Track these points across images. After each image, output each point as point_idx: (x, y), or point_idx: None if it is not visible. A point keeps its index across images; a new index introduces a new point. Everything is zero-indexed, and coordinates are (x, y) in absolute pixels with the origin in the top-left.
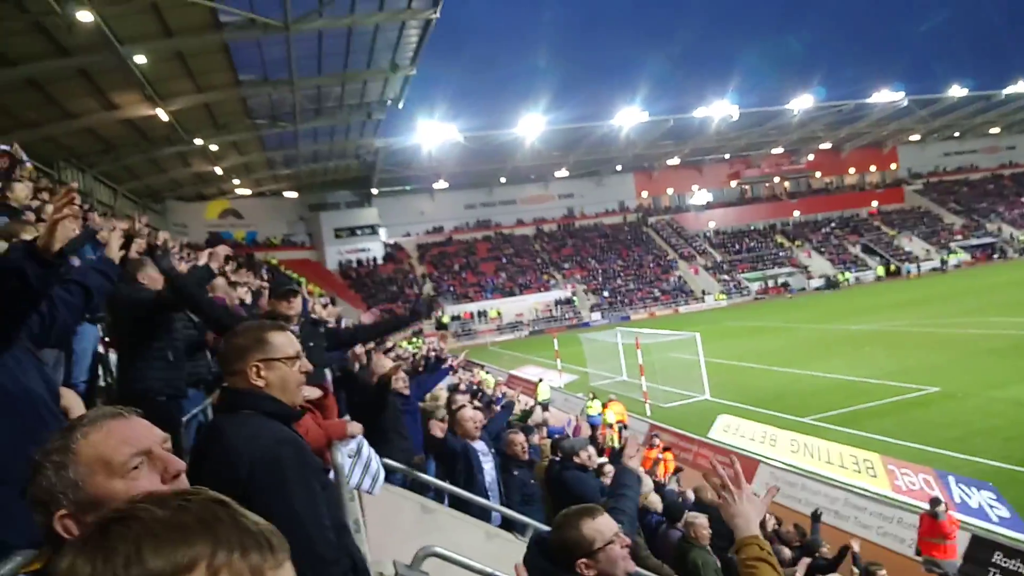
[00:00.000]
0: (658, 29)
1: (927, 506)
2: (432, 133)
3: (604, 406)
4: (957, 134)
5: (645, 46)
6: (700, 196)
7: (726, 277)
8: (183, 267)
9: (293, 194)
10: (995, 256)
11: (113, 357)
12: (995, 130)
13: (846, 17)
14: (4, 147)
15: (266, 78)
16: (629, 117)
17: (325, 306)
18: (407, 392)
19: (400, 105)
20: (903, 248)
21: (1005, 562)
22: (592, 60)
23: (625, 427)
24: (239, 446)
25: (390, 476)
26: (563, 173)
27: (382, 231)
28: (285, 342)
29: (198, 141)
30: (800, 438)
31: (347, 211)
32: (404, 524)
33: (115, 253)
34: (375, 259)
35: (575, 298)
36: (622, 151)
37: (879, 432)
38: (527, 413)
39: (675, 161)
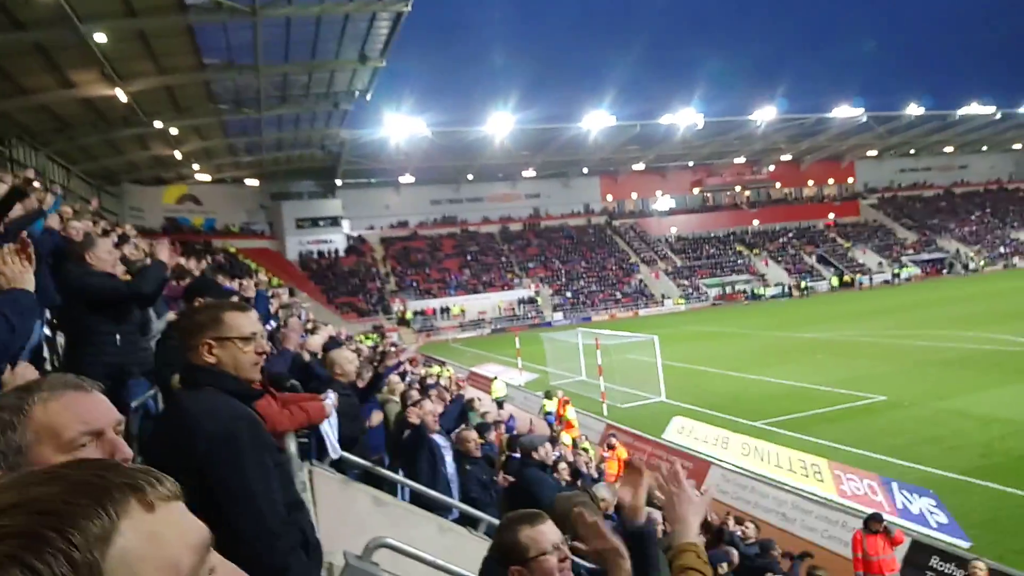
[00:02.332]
0: (627, 35)
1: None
2: (400, 126)
3: (562, 403)
4: (912, 151)
5: (614, 51)
6: (663, 202)
7: (685, 282)
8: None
9: (254, 182)
10: (944, 271)
11: (61, 339)
12: (949, 149)
13: (810, 32)
14: None
15: (231, 63)
16: (597, 121)
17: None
18: (363, 385)
19: (368, 97)
20: (857, 260)
21: (941, 566)
22: (562, 62)
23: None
24: (198, 420)
25: (345, 470)
26: (530, 173)
27: (345, 223)
28: (241, 322)
29: (158, 124)
30: (751, 442)
31: (310, 201)
32: (357, 516)
33: None
34: (337, 251)
35: (538, 298)
36: (589, 154)
37: (828, 438)
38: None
39: (640, 166)
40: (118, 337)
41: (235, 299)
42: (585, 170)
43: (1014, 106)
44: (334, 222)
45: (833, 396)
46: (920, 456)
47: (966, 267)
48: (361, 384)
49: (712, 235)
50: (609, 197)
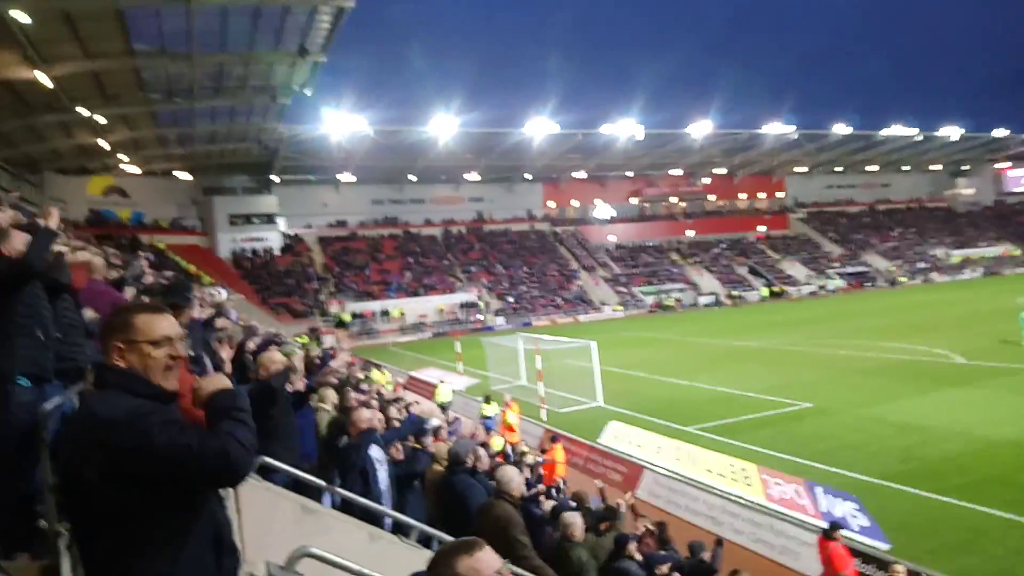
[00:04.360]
0: (572, 43)
1: (803, 518)
2: (341, 124)
3: (507, 407)
4: (839, 169)
5: (559, 58)
6: (603, 210)
7: (623, 289)
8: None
9: (186, 175)
10: (867, 284)
11: None
12: (873, 168)
13: (745, 51)
14: None
15: (163, 50)
16: (540, 128)
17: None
18: (303, 388)
19: (308, 92)
20: (786, 272)
21: (863, 567)
22: (508, 66)
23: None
24: (98, 415)
25: (271, 475)
26: (474, 176)
27: (281, 221)
28: (152, 325)
29: (83, 111)
30: (684, 446)
31: (244, 197)
32: (283, 525)
33: None
34: (272, 250)
35: (480, 302)
36: (532, 160)
37: (756, 443)
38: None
39: (581, 174)
40: (39, 332)
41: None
42: (528, 176)
43: (934, 129)
44: (269, 219)
45: (762, 403)
46: (843, 461)
47: (892, 282)
48: (291, 389)
49: (649, 244)
50: (551, 204)
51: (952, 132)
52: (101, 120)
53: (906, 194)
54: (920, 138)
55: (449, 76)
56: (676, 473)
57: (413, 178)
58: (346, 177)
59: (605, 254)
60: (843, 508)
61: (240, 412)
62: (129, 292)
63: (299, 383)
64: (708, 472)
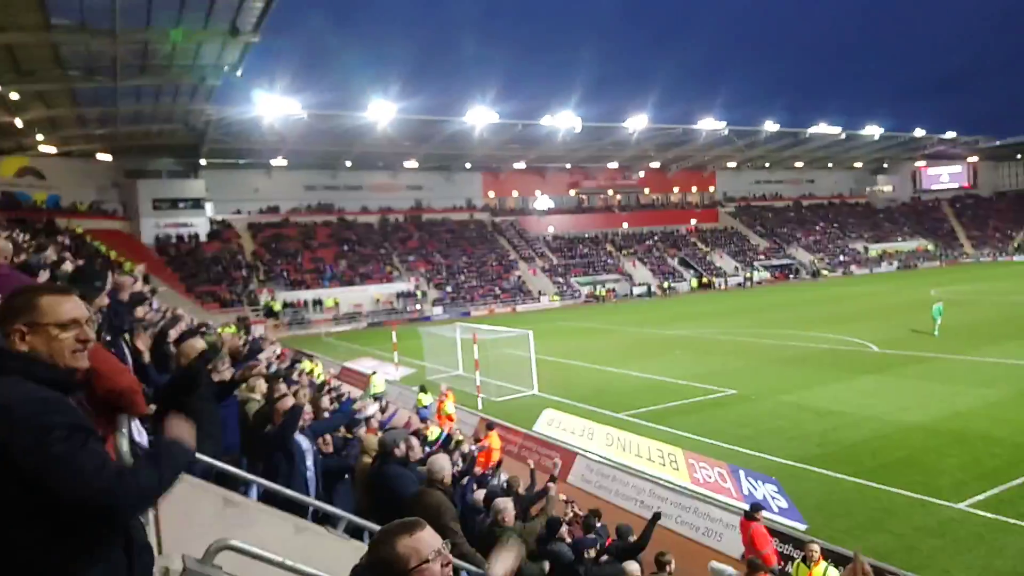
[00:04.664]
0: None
1: (726, 500)
2: (273, 106)
3: (443, 396)
4: (767, 165)
5: (500, 48)
6: (542, 201)
7: (560, 280)
8: None
9: (107, 157)
10: (791, 276)
11: None
12: (799, 164)
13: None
14: None
15: (84, 25)
16: (480, 117)
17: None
18: (228, 378)
19: (239, 73)
20: (715, 264)
21: (780, 547)
22: (448, 53)
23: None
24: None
25: (191, 467)
26: (413, 164)
27: (208, 206)
28: (59, 307)
29: None
30: (615, 432)
31: (169, 181)
32: (203, 518)
33: None
34: (198, 236)
35: (418, 291)
36: (472, 149)
37: (684, 428)
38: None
39: (521, 165)
40: None
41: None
42: (468, 165)
43: (857, 128)
44: (196, 204)
45: (689, 389)
46: (765, 446)
47: (815, 274)
48: (216, 379)
49: (586, 235)
50: (491, 194)
51: (874, 131)
52: (14, 96)
53: (829, 190)
54: (843, 137)
55: (388, 61)
56: (607, 459)
57: (348, 164)
58: (278, 161)
59: (543, 244)
60: (764, 490)
61: (169, 464)
62: (44, 277)
63: (225, 372)
64: (637, 457)
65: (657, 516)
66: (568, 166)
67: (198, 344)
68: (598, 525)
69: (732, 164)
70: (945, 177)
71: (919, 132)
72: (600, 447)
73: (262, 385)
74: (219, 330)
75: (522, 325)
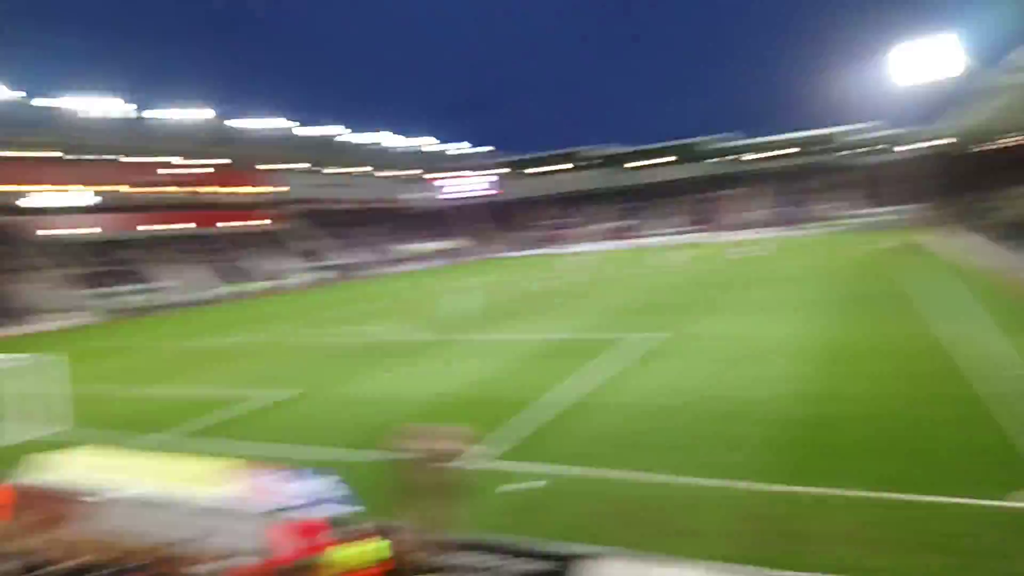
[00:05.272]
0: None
1: (286, 504)
2: None
3: None
4: (308, 166)
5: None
6: (51, 199)
7: (75, 292)
8: None
9: None
10: (331, 278)
11: None
12: (347, 170)
13: (246, 45)
14: None
15: None
16: None
17: None
18: None
19: None
20: (263, 267)
21: (340, 533)
22: None
23: None
24: None
25: None
26: None
27: None
28: None
29: None
30: (157, 458)
31: None
32: None
33: None
34: None
35: None
36: None
37: (243, 438)
38: None
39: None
40: None
41: None
42: None
43: (409, 136)
44: None
45: (240, 398)
46: (327, 440)
47: (352, 275)
48: None
49: (112, 239)
50: None
51: (417, 142)
52: None
53: (372, 195)
54: (387, 145)
55: None
56: (150, 494)
57: None
58: None
59: (48, 252)
60: (323, 485)
61: None
62: None
63: None
64: (185, 481)
65: None
66: (93, 158)
67: None
68: None
69: (282, 166)
70: (476, 184)
71: (462, 146)
72: (139, 482)
73: None
74: None
75: (35, 350)
